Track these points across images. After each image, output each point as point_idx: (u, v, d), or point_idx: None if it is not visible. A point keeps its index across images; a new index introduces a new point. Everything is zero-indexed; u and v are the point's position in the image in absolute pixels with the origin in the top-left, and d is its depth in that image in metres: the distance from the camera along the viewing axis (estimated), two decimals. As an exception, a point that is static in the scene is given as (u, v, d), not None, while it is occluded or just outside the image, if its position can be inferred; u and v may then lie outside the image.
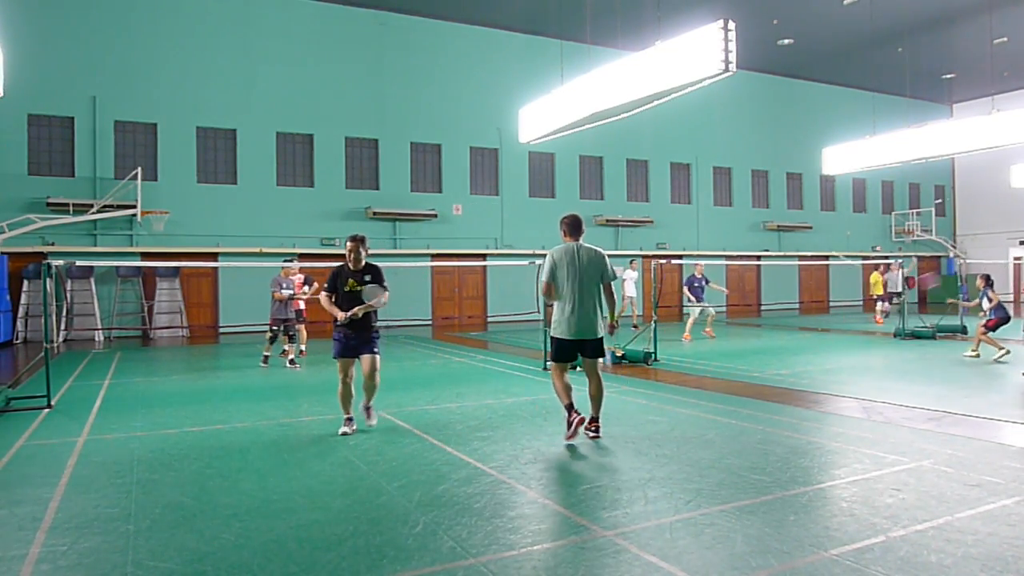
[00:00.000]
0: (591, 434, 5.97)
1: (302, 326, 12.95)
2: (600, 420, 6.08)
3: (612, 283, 6.03)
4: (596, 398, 6.03)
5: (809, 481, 4.70)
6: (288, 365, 11.27)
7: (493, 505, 4.28)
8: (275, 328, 11.33)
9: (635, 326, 17.31)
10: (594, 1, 19.31)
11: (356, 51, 20.32)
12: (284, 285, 11.27)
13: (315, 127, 19.81)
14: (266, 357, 11.42)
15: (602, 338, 6.00)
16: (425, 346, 14.76)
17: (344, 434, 6.21)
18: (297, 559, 3.48)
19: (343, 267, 6.46)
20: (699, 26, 7.96)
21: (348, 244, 6.39)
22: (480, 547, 3.59)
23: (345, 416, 6.42)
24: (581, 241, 6.07)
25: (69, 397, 8.52)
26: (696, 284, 15.25)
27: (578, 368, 7.76)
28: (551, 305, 6.14)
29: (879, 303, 19.70)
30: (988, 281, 11.26)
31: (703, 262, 15.72)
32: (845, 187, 29.40)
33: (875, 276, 19.45)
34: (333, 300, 6.40)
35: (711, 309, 15.46)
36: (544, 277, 6.01)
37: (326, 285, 6.46)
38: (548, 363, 6.22)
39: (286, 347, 11.62)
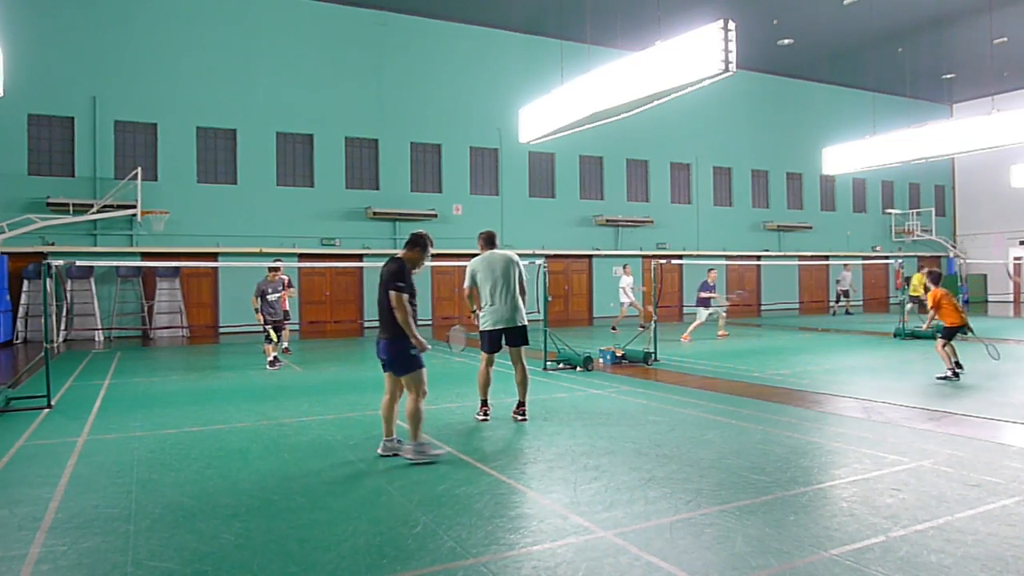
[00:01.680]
0: (519, 418, 6.72)
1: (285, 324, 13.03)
2: (526, 405, 6.85)
3: (526, 282, 6.90)
4: (521, 384, 6.82)
5: (809, 481, 4.70)
6: (269, 367, 11.18)
7: (493, 505, 4.28)
8: (267, 328, 11.36)
9: (642, 326, 17.28)
10: (594, 1, 19.31)
11: (356, 51, 20.31)
12: (270, 289, 11.25)
13: (315, 127, 19.81)
14: (273, 359, 11.29)
15: (524, 327, 6.80)
16: (425, 346, 14.72)
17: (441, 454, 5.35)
18: (297, 559, 3.48)
19: (407, 264, 5.49)
20: (699, 26, 7.95)
21: (429, 246, 5.60)
22: (480, 547, 3.59)
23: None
24: (494, 249, 6.95)
25: (69, 397, 8.52)
26: (704, 292, 15.26)
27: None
28: (475, 311, 7.03)
29: (910, 303, 19.47)
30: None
31: (715, 270, 15.60)
32: (845, 187, 29.40)
33: (917, 277, 19.18)
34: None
35: (720, 310, 15.43)
36: (466, 283, 6.94)
37: (401, 284, 5.24)
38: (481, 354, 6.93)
39: (284, 346, 11.78)
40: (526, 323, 6.84)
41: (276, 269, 11.36)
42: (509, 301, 6.72)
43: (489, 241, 7.04)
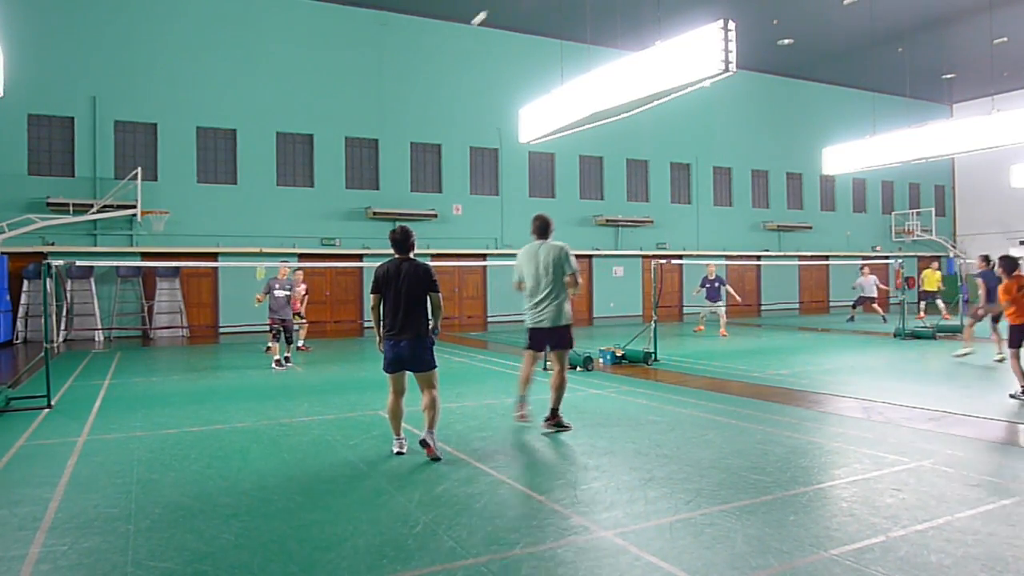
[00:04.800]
0: (549, 429, 6.23)
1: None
2: (560, 414, 6.29)
3: (578, 273, 6.30)
4: (556, 388, 6.27)
5: (809, 481, 4.70)
6: (275, 366, 11.12)
7: (493, 505, 4.28)
8: (275, 328, 11.28)
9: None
10: (594, 1, 19.31)
11: (356, 51, 20.31)
12: (277, 286, 11.23)
13: (315, 127, 19.80)
14: (285, 357, 11.25)
15: (567, 327, 6.30)
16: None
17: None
18: (297, 559, 3.48)
19: None
20: (699, 26, 7.96)
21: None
22: (480, 547, 3.59)
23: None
24: (548, 240, 6.40)
25: (69, 397, 8.52)
26: (707, 284, 15.42)
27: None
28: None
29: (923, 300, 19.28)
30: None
31: (714, 263, 16.09)
32: (845, 187, 29.39)
33: (928, 272, 18.94)
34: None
35: (721, 309, 15.59)
36: (514, 278, 6.54)
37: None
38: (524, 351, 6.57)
39: (300, 343, 11.80)
40: (570, 323, 6.33)
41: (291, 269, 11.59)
42: (552, 299, 6.22)
43: (540, 229, 6.42)
